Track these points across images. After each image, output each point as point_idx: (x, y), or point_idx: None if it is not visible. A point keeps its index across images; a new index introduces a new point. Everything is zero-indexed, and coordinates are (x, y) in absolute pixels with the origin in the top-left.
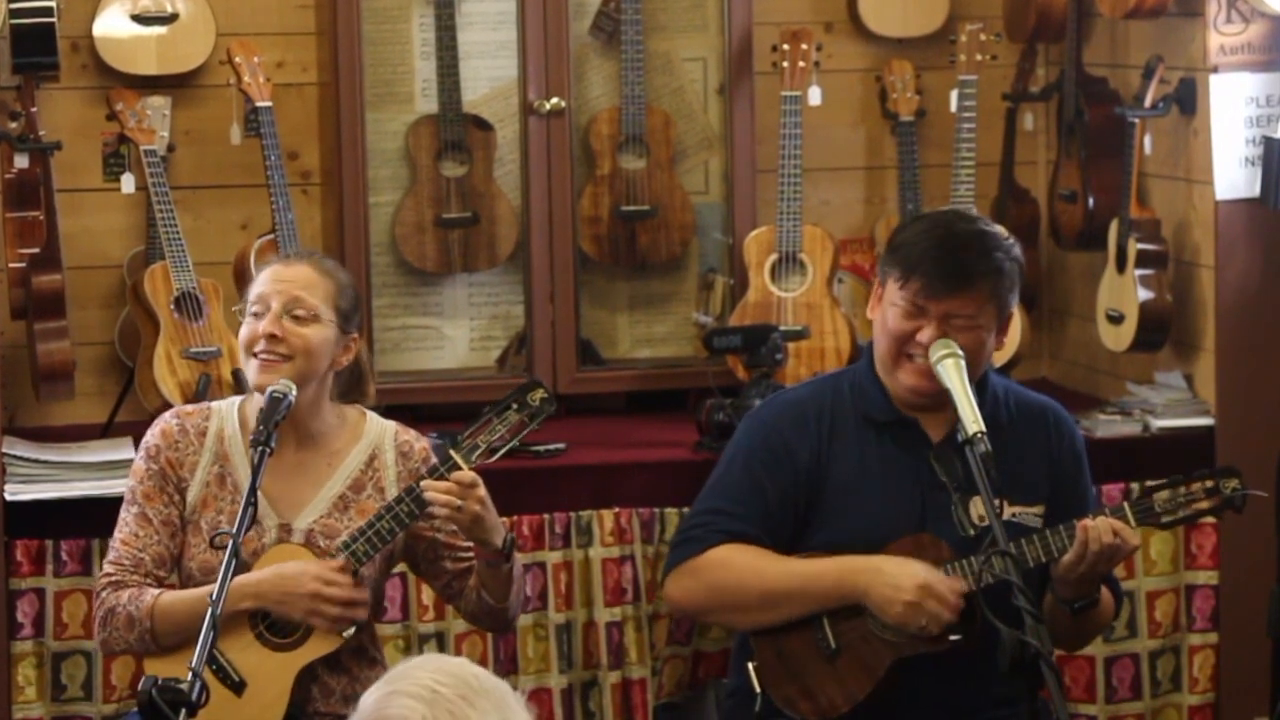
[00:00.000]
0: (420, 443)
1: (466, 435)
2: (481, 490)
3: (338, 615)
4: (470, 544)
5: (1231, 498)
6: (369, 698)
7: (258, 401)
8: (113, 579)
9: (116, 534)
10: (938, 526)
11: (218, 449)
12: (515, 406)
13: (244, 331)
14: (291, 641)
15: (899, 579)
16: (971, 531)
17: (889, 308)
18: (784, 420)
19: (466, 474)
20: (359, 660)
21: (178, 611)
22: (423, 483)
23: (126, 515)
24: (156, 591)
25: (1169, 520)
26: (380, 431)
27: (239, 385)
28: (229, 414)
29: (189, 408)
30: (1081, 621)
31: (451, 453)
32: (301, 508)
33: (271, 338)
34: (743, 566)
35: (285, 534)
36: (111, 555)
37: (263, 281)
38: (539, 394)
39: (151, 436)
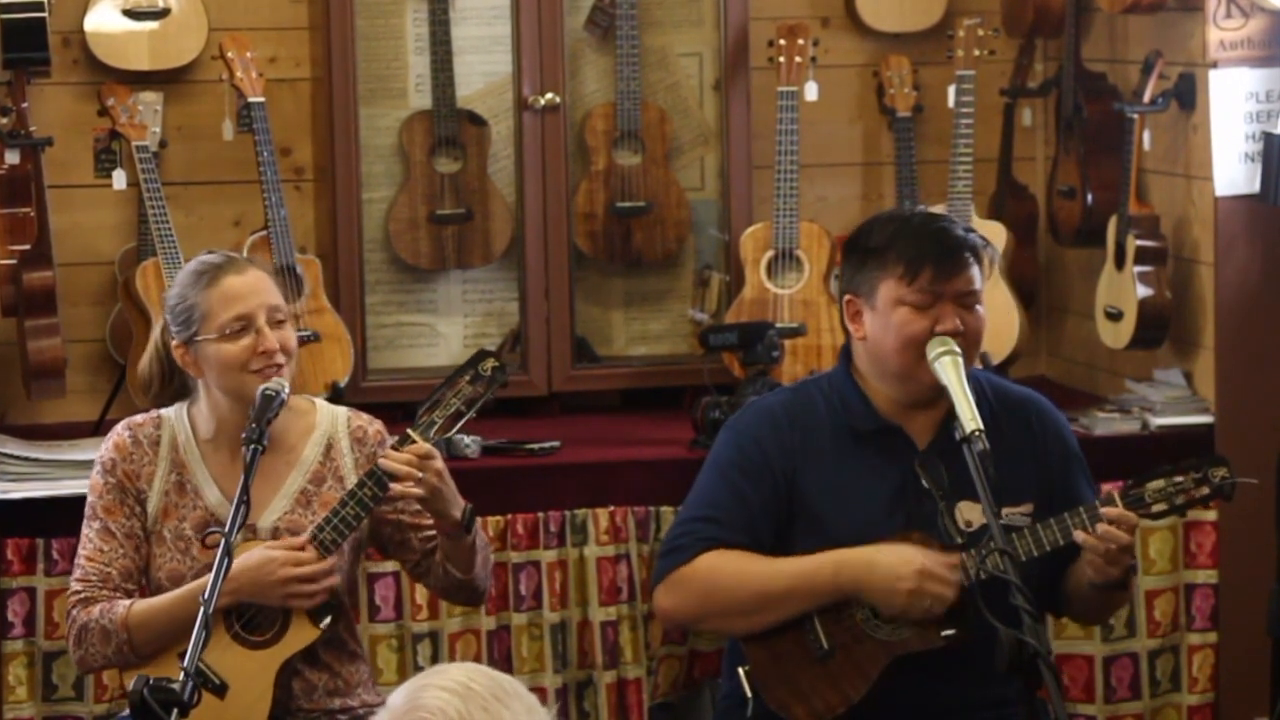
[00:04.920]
0: (374, 426)
1: (422, 413)
2: (439, 462)
3: (314, 591)
4: (433, 520)
5: (1220, 486)
6: (399, 694)
7: (203, 406)
8: (81, 596)
9: (80, 551)
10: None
11: (173, 457)
12: (468, 378)
13: (229, 351)
14: (269, 639)
15: (896, 568)
16: (959, 539)
17: (894, 311)
18: (761, 428)
19: (422, 446)
20: (339, 655)
21: (155, 619)
22: (380, 458)
23: (89, 531)
24: (128, 603)
25: (1159, 510)
26: (333, 420)
27: None
28: (179, 421)
29: (139, 418)
30: (1116, 594)
31: (409, 431)
32: (264, 507)
33: (274, 352)
34: (730, 572)
35: (250, 534)
36: (78, 573)
37: (232, 299)
38: (490, 363)
39: (105, 451)
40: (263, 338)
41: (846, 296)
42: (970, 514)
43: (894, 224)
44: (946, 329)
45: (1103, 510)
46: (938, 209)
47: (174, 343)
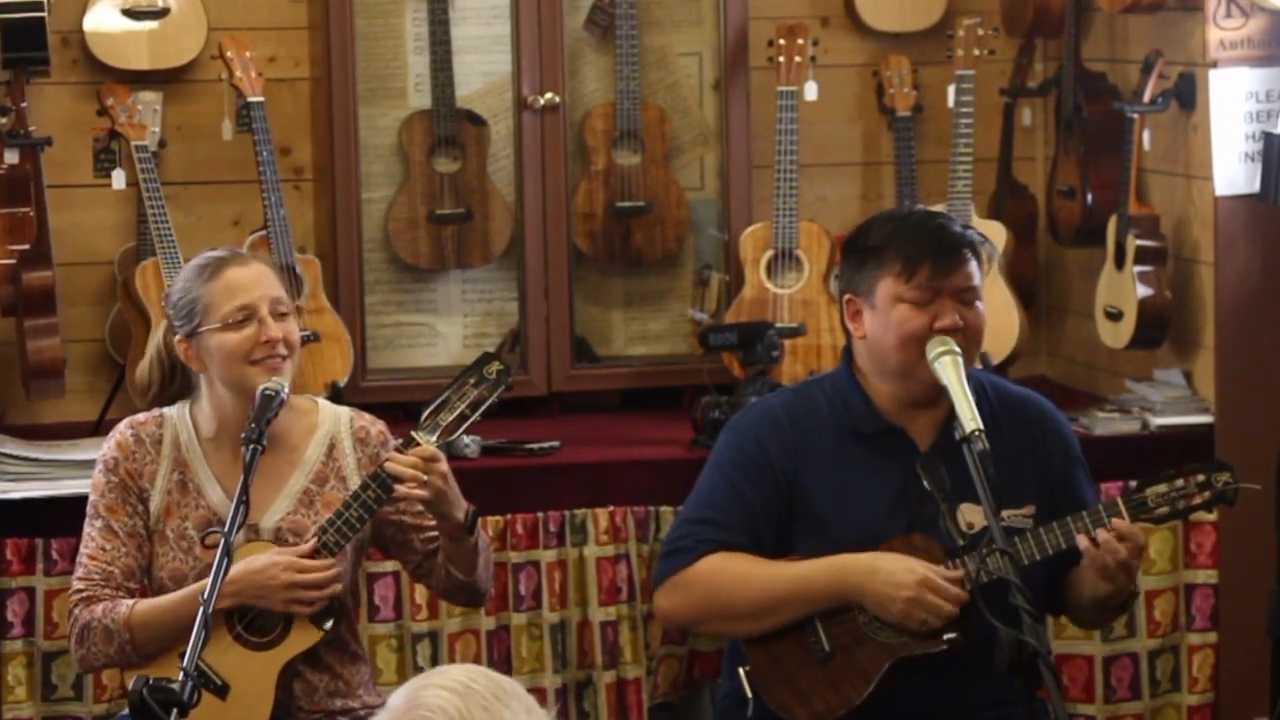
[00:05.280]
0: (376, 426)
1: (427, 415)
2: (444, 465)
3: (315, 598)
4: (436, 522)
5: (1224, 491)
6: (399, 695)
7: (205, 405)
8: (84, 595)
9: (83, 549)
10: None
11: (176, 456)
12: (473, 381)
13: (231, 341)
14: (270, 640)
15: (896, 575)
16: (961, 541)
17: (894, 309)
18: (762, 429)
19: (427, 449)
20: (341, 656)
21: (157, 619)
22: (385, 460)
23: (91, 530)
24: (131, 602)
25: (1163, 514)
26: (335, 420)
27: None
28: (181, 420)
29: (141, 416)
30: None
31: (413, 434)
32: (266, 507)
33: (278, 341)
34: (733, 575)
35: (253, 534)
36: (80, 571)
37: (235, 290)
38: (495, 366)
39: (108, 449)
40: (266, 327)
41: (846, 296)
42: (972, 516)
43: (892, 222)
44: (945, 325)
45: (1113, 521)
46: (938, 209)
47: (177, 338)
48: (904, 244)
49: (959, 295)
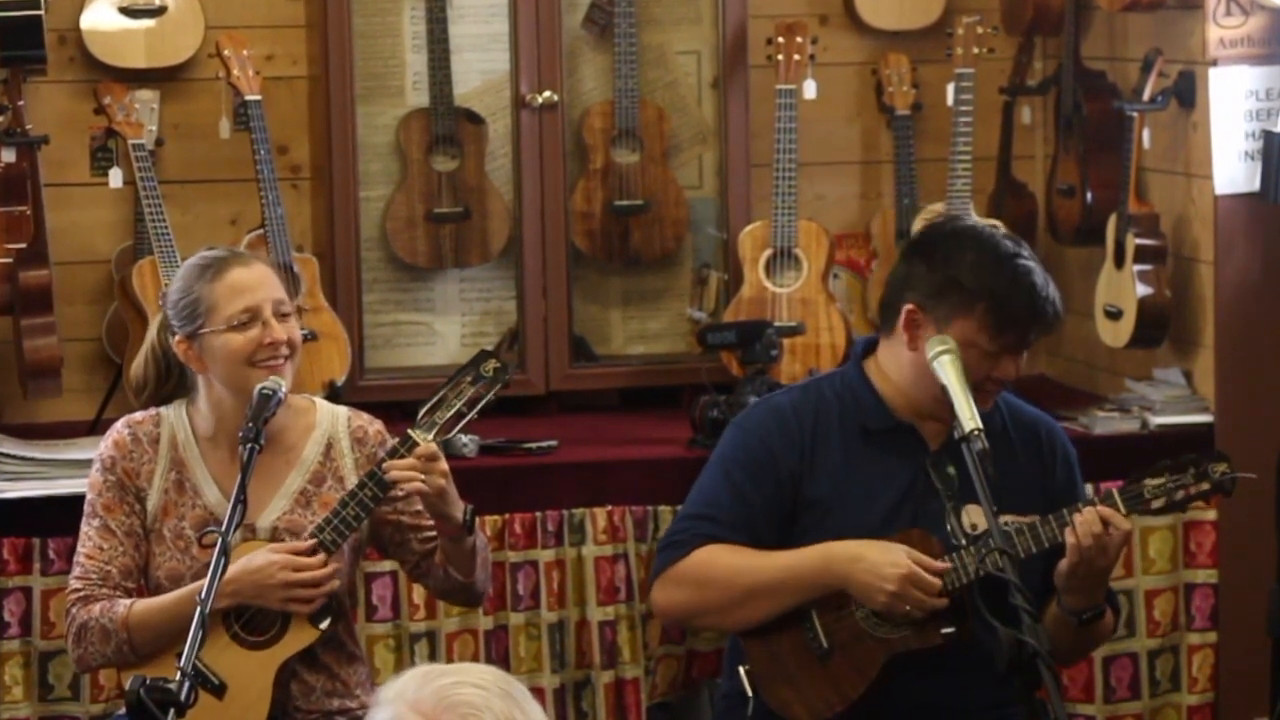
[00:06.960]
0: (374, 426)
1: (424, 413)
2: (444, 463)
3: (313, 595)
4: (433, 522)
5: (1220, 481)
6: (422, 689)
7: (202, 404)
8: (81, 594)
9: (80, 549)
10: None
11: (173, 455)
12: (470, 379)
13: (235, 342)
14: (268, 639)
15: (881, 567)
16: (964, 542)
17: (963, 349)
18: (767, 427)
19: (427, 447)
20: (338, 656)
21: (155, 619)
22: (385, 464)
23: (88, 529)
24: (128, 602)
25: (1159, 506)
26: (333, 420)
27: None
28: (178, 419)
29: (138, 415)
30: (1085, 633)
31: (410, 432)
32: (263, 507)
33: (281, 343)
34: (724, 565)
35: (249, 534)
36: (77, 571)
37: (240, 291)
38: (491, 364)
39: (105, 448)
40: (269, 329)
41: (911, 305)
42: (977, 518)
43: (986, 266)
44: (1002, 375)
45: (1074, 516)
46: (936, 208)
47: (177, 338)
48: (1003, 303)
49: (1022, 353)
